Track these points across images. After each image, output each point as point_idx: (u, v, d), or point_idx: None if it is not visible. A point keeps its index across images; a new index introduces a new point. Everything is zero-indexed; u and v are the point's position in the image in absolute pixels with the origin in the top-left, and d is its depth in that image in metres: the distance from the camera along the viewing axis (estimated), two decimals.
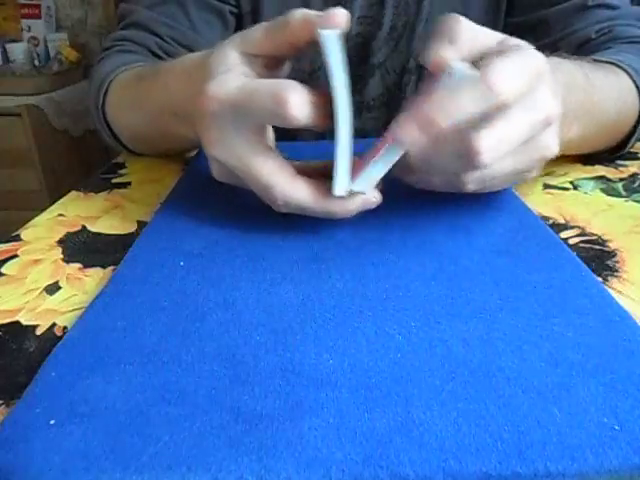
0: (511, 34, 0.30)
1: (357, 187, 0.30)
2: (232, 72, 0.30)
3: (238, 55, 0.31)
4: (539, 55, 0.28)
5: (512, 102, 0.26)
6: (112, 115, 0.52)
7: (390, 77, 0.58)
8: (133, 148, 0.54)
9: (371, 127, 0.60)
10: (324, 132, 0.30)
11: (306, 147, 0.52)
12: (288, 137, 0.56)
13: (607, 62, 0.46)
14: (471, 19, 0.29)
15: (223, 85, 0.29)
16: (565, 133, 0.37)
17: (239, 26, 0.60)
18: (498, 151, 0.27)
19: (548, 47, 0.51)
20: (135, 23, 0.56)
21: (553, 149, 0.31)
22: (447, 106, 0.25)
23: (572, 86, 0.38)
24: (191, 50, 0.52)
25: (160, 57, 0.54)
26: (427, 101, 0.25)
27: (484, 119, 0.27)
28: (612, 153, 0.50)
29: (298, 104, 0.27)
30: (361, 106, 0.59)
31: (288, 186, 0.30)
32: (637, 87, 0.46)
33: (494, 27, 0.29)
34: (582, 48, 0.52)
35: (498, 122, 0.27)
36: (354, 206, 0.31)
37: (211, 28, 0.56)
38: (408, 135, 0.26)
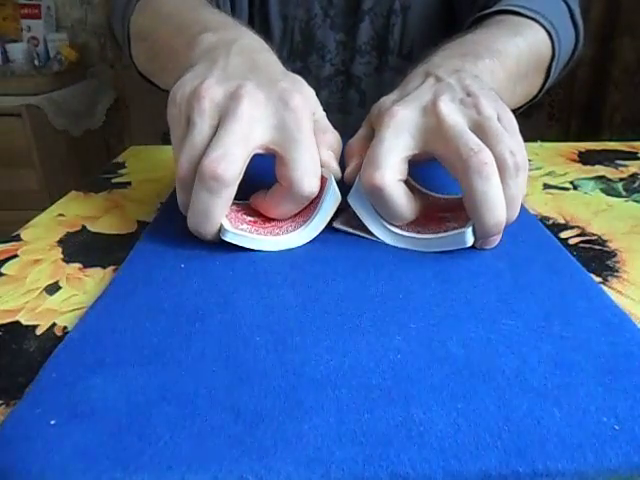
0: None
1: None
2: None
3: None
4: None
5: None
6: (142, 8, 0.49)
7: (378, 21, 0.61)
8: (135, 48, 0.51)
9: (363, 72, 0.63)
10: None
11: None
12: None
13: (525, 16, 0.47)
14: None
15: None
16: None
17: None
18: None
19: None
20: None
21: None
22: None
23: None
24: None
25: None
26: None
27: None
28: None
29: None
30: (353, 52, 0.62)
31: None
32: (548, 34, 0.47)
33: None
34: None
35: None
36: None
37: None
38: None
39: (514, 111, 0.52)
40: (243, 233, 0.31)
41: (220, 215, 0.30)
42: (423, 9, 0.60)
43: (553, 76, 0.50)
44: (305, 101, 0.31)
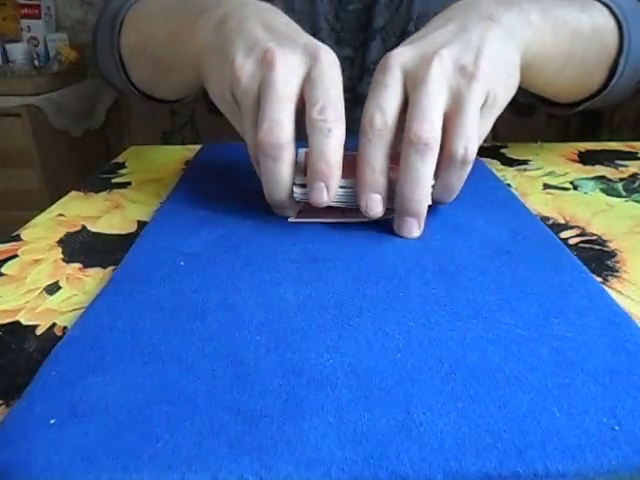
0: None
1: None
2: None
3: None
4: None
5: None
6: (130, 26, 0.49)
7: (391, 40, 0.59)
8: (137, 69, 0.51)
9: None
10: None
11: None
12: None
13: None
14: None
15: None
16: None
17: None
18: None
19: None
20: None
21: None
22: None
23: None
24: None
25: None
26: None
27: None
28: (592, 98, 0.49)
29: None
30: (362, 70, 0.60)
31: None
32: (617, 20, 0.43)
33: None
34: None
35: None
36: None
37: None
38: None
39: (571, 106, 0.49)
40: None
41: (289, 177, 0.33)
42: None
43: (619, 76, 0.45)
44: (329, 53, 0.32)
